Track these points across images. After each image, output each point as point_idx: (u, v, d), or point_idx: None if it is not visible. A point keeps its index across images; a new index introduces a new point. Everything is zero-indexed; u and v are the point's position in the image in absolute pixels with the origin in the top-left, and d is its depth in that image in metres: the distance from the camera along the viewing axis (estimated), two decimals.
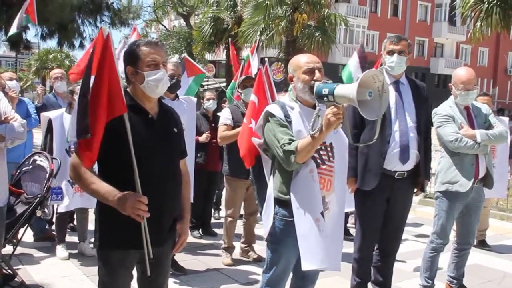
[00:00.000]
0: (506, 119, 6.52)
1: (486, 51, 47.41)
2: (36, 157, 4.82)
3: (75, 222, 6.32)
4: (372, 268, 4.40)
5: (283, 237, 3.15)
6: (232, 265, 5.55)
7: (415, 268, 5.31)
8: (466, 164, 4.42)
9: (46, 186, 4.57)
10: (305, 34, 18.55)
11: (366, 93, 2.66)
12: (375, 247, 4.38)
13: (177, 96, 5.05)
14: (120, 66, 2.77)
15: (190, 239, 5.95)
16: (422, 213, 8.73)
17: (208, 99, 6.88)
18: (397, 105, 4.09)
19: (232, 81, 7.47)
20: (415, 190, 4.33)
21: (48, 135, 5.41)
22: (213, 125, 6.60)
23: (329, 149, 3.12)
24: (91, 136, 2.52)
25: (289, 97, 3.26)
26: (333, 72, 33.68)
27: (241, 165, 4.53)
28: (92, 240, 5.61)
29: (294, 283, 3.45)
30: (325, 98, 2.79)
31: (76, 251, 5.71)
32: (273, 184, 3.22)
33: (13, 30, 8.81)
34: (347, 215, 6.46)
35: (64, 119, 5.38)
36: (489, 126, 4.52)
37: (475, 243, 6.07)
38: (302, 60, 3.15)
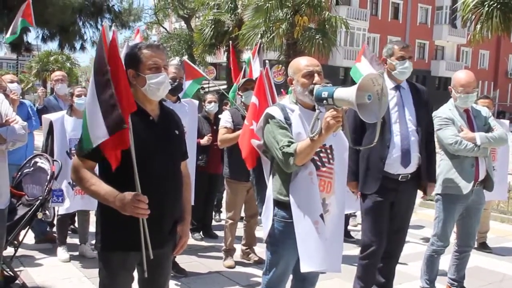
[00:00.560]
0: (507, 122, 6.52)
1: (487, 53, 47.46)
2: (37, 159, 4.83)
3: (76, 224, 6.33)
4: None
5: (282, 238, 3.16)
6: (233, 267, 5.55)
7: (415, 271, 5.30)
8: (466, 166, 4.42)
9: (47, 188, 4.58)
10: (305, 36, 18.58)
11: (366, 96, 2.67)
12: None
13: (178, 99, 5.06)
14: None
15: (191, 241, 5.96)
16: (423, 215, 8.73)
17: (210, 102, 6.88)
18: (398, 109, 4.10)
19: (234, 84, 7.47)
20: (422, 194, 4.34)
21: (49, 137, 5.43)
22: (214, 127, 6.60)
23: (329, 151, 3.13)
24: (126, 126, 2.53)
25: (289, 100, 3.27)
26: (334, 75, 33.73)
27: (241, 168, 4.54)
28: (93, 242, 5.63)
29: (294, 285, 3.45)
30: (325, 101, 2.80)
31: (77, 253, 5.71)
32: (272, 185, 3.23)
33: (8, 34, 8.82)
34: (348, 217, 6.46)
35: (65, 121, 5.40)
36: (488, 129, 4.53)
37: (476, 246, 6.07)
38: (302, 63, 3.16)
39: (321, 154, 3.10)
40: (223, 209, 7.21)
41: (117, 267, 2.73)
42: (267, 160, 3.34)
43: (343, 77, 36.08)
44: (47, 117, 5.51)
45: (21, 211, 4.52)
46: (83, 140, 2.66)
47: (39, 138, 6.71)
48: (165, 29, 41.59)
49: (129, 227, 2.59)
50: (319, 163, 3.09)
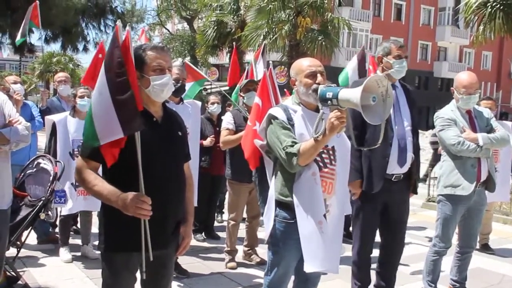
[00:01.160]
0: (509, 123, 6.51)
1: (490, 55, 47.39)
2: (40, 160, 4.84)
3: (78, 225, 6.35)
4: (375, 273, 4.39)
5: (284, 239, 3.17)
6: (235, 268, 5.56)
7: (417, 272, 5.30)
8: (468, 167, 4.42)
9: (49, 189, 4.59)
10: (308, 38, 18.57)
11: (370, 98, 2.67)
12: (378, 252, 4.38)
13: (181, 100, 5.07)
14: None
15: (193, 242, 5.96)
16: (425, 216, 8.73)
17: (213, 103, 6.89)
18: (395, 108, 4.10)
19: (237, 85, 7.48)
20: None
21: (52, 138, 5.44)
22: (217, 129, 6.60)
23: (331, 152, 3.13)
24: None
25: (292, 101, 3.28)
26: (336, 76, 33.57)
27: (243, 169, 4.55)
28: (96, 243, 5.65)
29: (296, 286, 3.46)
30: (329, 101, 2.80)
31: (79, 254, 5.72)
32: (274, 186, 3.24)
33: (19, 37, 8.88)
34: (349, 218, 6.45)
35: (68, 122, 5.41)
36: (490, 130, 4.52)
37: (478, 247, 6.07)
38: (304, 64, 3.17)
39: (323, 155, 3.11)
40: (225, 210, 7.22)
41: (120, 268, 2.74)
42: (270, 161, 3.35)
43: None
44: (50, 118, 5.53)
45: (23, 211, 4.53)
46: (87, 137, 2.66)
47: (42, 139, 6.73)
48: (168, 30, 41.64)
49: (132, 228, 2.59)
50: (321, 164, 3.09)
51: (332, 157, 3.14)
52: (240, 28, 21.26)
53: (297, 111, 3.15)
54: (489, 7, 11.98)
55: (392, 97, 2.82)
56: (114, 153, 2.59)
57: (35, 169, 4.81)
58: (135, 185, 2.58)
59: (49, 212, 4.64)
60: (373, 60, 7.75)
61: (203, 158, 6.24)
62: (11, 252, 4.63)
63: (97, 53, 7.33)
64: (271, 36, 18.61)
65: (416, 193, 4.38)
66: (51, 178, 4.64)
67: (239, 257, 5.82)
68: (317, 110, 3.00)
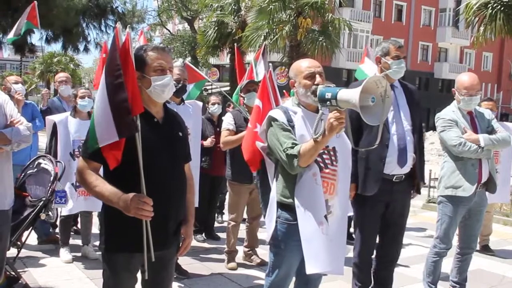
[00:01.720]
0: (510, 124, 6.52)
1: (490, 56, 47.39)
2: (40, 160, 4.85)
3: (79, 225, 6.35)
4: (372, 274, 4.39)
5: (286, 240, 3.17)
6: (235, 269, 5.56)
7: (417, 273, 5.30)
8: (469, 168, 4.42)
9: (50, 189, 4.59)
10: (309, 38, 18.56)
11: (369, 98, 2.67)
12: (375, 253, 4.38)
13: (182, 101, 5.08)
14: None
15: (194, 243, 5.96)
16: (425, 217, 8.73)
17: (213, 104, 6.90)
18: (394, 109, 4.10)
19: (238, 86, 7.49)
20: (412, 192, 4.35)
21: (53, 138, 5.45)
22: (218, 129, 6.61)
23: (332, 153, 3.13)
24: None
25: (292, 102, 3.28)
26: (337, 77, 33.69)
27: (244, 170, 4.55)
28: (96, 243, 5.66)
29: (297, 287, 3.46)
30: (328, 102, 2.81)
31: (79, 254, 5.73)
32: (275, 188, 3.24)
33: (11, 35, 8.85)
34: (350, 219, 6.45)
35: (68, 123, 5.42)
36: (492, 131, 4.52)
37: (478, 248, 6.07)
38: (303, 65, 3.17)
39: (324, 156, 3.10)
40: (226, 210, 7.23)
41: (121, 268, 2.74)
42: (271, 163, 3.35)
43: (346, 79, 36.08)
44: (50, 119, 5.54)
45: (24, 212, 4.53)
46: (89, 139, 2.67)
47: (43, 139, 6.73)
48: (169, 30, 41.66)
49: (133, 229, 2.59)
50: (322, 165, 3.09)
51: (333, 158, 3.14)
52: (240, 28, 21.26)
53: (297, 112, 3.15)
54: (490, 8, 11.98)
55: (391, 98, 2.82)
56: (117, 156, 2.60)
57: (35, 169, 4.81)
58: (136, 185, 2.58)
59: (50, 213, 4.64)
60: (365, 52, 7.78)
61: (203, 159, 6.24)
62: (12, 252, 4.63)
63: (101, 54, 7.36)
64: (272, 37, 18.61)
65: (419, 193, 4.38)
66: (51, 178, 4.64)
67: (239, 258, 5.82)
68: (317, 111, 3.00)
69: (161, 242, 2.72)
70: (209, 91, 24.96)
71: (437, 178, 4.88)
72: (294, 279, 3.42)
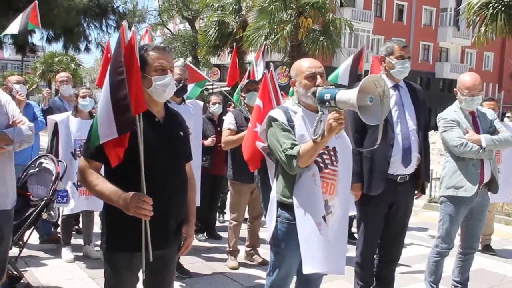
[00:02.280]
0: (511, 124, 6.51)
1: (491, 55, 47.35)
2: (42, 160, 4.85)
3: (80, 225, 6.35)
4: (374, 274, 4.39)
5: (286, 240, 3.17)
6: (236, 268, 5.56)
7: (419, 273, 5.30)
8: (471, 169, 4.41)
9: (52, 188, 4.60)
10: (310, 38, 18.56)
11: (367, 98, 2.66)
12: (377, 252, 4.38)
13: (183, 100, 5.08)
14: None
15: (195, 242, 5.96)
16: (427, 217, 8.73)
17: (214, 103, 6.91)
18: (398, 108, 4.10)
19: (239, 86, 7.50)
20: (416, 193, 4.34)
21: (54, 138, 5.45)
22: (218, 129, 6.61)
23: (332, 153, 3.13)
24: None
25: (292, 102, 3.28)
26: None
27: (245, 169, 4.55)
28: (97, 242, 5.66)
29: (297, 287, 3.46)
30: (327, 103, 2.81)
31: (81, 254, 5.73)
32: (276, 187, 3.24)
33: (12, 30, 8.80)
34: (351, 219, 6.46)
35: (70, 122, 5.42)
36: (494, 131, 4.52)
37: (480, 248, 6.06)
38: (304, 65, 3.17)
39: (324, 156, 3.10)
40: (227, 210, 7.24)
41: (122, 268, 2.75)
42: (272, 163, 3.35)
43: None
44: (52, 118, 5.54)
45: (26, 211, 4.53)
46: (92, 137, 2.67)
47: (44, 139, 6.74)
48: (170, 30, 41.69)
49: (134, 228, 2.59)
50: (322, 165, 3.09)
51: (333, 158, 3.13)
52: (241, 28, 21.25)
53: (297, 112, 3.14)
54: (491, 8, 11.97)
55: (389, 98, 2.82)
56: (119, 154, 2.60)
57: (37, 169, 4.81)
58: (137, 184, 2.59)
59: (51, 212, 4.65)
60: (375, 61, 7.77)
61: (204, 158, 6.24)
62: (14, 251, 4.63)
63: (105, 53, 7.35)
64: (273, 37, 18.62)
65: (424, 193, 4.38)
66: (53, 178, 4.64)
67: (241, 257, 5.82)
68: (317, 111, 3.00)
69: (162, 241, 2.73)
70: (210, 91, 24.95)
71: (438, 178, 4.88)
72: (295, 278, 3.42)
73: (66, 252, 5.61)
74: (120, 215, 2.56)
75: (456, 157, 4.47)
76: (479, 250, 5.77)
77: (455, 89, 4.57)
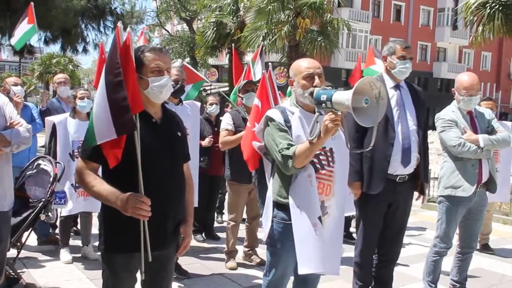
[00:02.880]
0: (509, 123, 6.52)
1: (489, 55, 47.43)
2: (40, 161, 4.85)
3: (78, 226, 6.35)
4: (373, 273, 4.40)
5: (282, 240, 3.17)
6: (235, 268, 5.56)
7: (417, 272, 5.30)
8: (469, 168, 4.42)
9: (50, 190, 4.60)
10: (307, 38, 18.58)
11: (363, 100, 2.65)
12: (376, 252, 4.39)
13: (180, 101, 5.08)
14: None
15: (193, 243, 5.97)
16: (425, 217, 8.74)
17: (211, 104, 6.91)
18: (399, 108, 4.11)
19: (235, 86, 7.50)
20: (416, 194, 4.35)
21: (52, 139, 5.45)
22: (216, 129, 6.62)
23: (329, 154, 3.12)
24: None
25: (290, 102, 3.28)
26: (336, 77, 33.70)
27: (243, 170, 4.56)
28: (96, 244, 5.65)
29: (295, 287, 3.46)
30: (324, 104, 2.81)
31: (79, 255, 5.73)
32: (272, 187, 3.24)
33: (16, 39, 8.83)
34: (349, 219, 6.47)
35: (68, 124, 5.42)
36: (492, 131, 4.52)
37: (478, 247, 6.07)
38: (303, 65, 3.17)
39: (321, 157, 3.10)
40: (225, 210, 7.24)
41: (120, 269, 2.74)
42: (268, 162, 3.35)
43: (345, 79, 36.04)
44: (50, 120, 5.54)
45: (24, 213, 4.53)
46: (88, 137, 2.67)
47: (41, 140, 6.73)
48: (167, 31, 41.64)
49: (132, 229, 2.59)
50: (318, 166, 3.08)
51: (330, 159, 3.13)
52: (239, 29, 21.27)
53: (294, 112, 3.14)
54: (488, 8, 11.99)
55: (385, 99, 2.81)
56: (117, 154, 2.60)
57: (35, 170, 4.81)
58: (135, 185, 2.59)
59: (49, 213, 4.65)
60: (370, 51, 7.83)
61: (201, 159, 6.24)
62: (12, 253, 4.63)
63: (100, 55, 7.38)
64: (271, 37, 18.64)
65: (423, 194, 4.38)
66: (51, 179, 4.64)
67: (239, 257, 5.82)
68: (314, 111, 3.00)
69: (160, 241, 2.73)
70: (208, 92, 24.95)
71: (436, 178, 4.89)
72: (292, 278, 3.42)
73: (64, 253, 5.61)
74: (118, 216, 2.56)
75: (454, 157, 4.47)
76: (477, 250, 5.78)
77: (453, 89, 4.57)
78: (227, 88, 21.01)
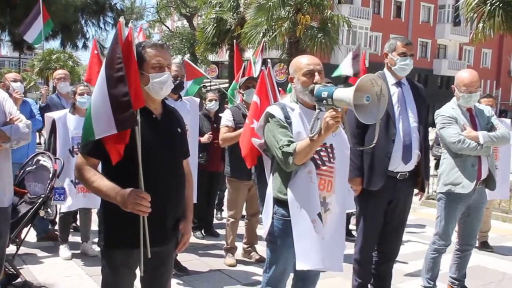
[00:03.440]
0: (508, 120, 6.52)
1: (489, 52, 47.39)
2: (39, 157, 4.84)
3: (78, 222, 6.35)
4: (372, 270, 4.40)
5: (282, 236, 3.17)
6: (234, 265, 5.57)
7: (416, 269, 5.31)
8: (468, 165, 4.42)
9: (49, 186, 4.59)
10: (308, 35, 18.57)
11: (364, 97, 2.66)
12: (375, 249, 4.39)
13: (180, 97, 5.07)
14: None
15: (193, 239, 5.97)
16: (424, 214, 8.75)
17: (210, 100, 6.91)
18: (400, 105, 4.10)
19: (233, 82, 7.50)
20: (416, 191, 4.35)
21: (51, 135, 5.44)
22: (214, 125, 6.62)
23: (329, 150, 3.13)
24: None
25: (290, 98, 3.27)
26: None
27: (242, 167, 4.55)
28: (95, 240, 5.66)
29: (295, 284, 3.46)
30: (324, 101, 2.81)
31: (79, 251, 5.73)
32: (272, 184, 3.24)
33: (34, 37, 8.82)
34: (349, 216, 6.47)
35: (67, 120, 5.41)
36: (491, 128, 4.52)
37: (477, 245, 6.08)
38: (303, 62, 3.17)
39: (322, 153, 3.10)
40: (225, 207, 7.23)
41: (119, 265, 2.75)
42: (268, 159, 3.35)
43: (345, 76, 36.10)
44: (49, 116, 5.53)
45: (23, 209, 4.53)
46: (84, 132, 2.67)
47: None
48: (167, 27, 41.58)
49: (132, 225, 2.59)
50: (319, 162, 3.08)
51: (330, 155, 3.13)
52: (239, 25, 21.25)
53: (294, 109, 3.14)
54: (489, 4, 11.96)
55: (387, 97, 2.81)
56: (119, 150, 2.60)
57: (35, 166, 4.81)
58: (134, 181, 2.58)
59: (49, 209, 4.65)
60: (363, 56, 7.91)
61: (200, 155, 6.23)
62: (11, 249, 4.63)
63: (92, 50, 7.39)
64: (271, 34, 18.62)
65: (424, 191, 4.38)
66: (50, 175, 4.63)
67: (239, 254, 5.83)
68: (314, 108, 2.99)
69: (160, 238, 2.73)
70: (208, 88, 24.94)
71: (436, 175, 4.88)
72: (292, 275, 3.43)
73: (64, 250, 5.61)
74: (118, 212, 2.56)
75: (453, 153, 4.47)
76: (476, 247, 5.79)
77: (452, 86, 4.56)
78: (227, 85, 20.99)
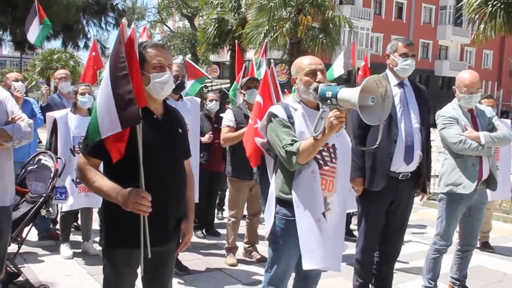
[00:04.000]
0: (509, 121, 6.51)
1: (491, 53, 47.38)
2: (41, 157, 4.84)
3: (79, 222, 6.36)
4: (373, 270, 4.40)
5: (284, 236, 3.17)
6: (235, 265, 5.57)
7: (417, 270, 5.31)
8: (469, 166, 4.42)
9: (50, 185, 4.59)
10: (309, 36, 18.56)
11: (369, 98, 2.66)
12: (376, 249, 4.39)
13: (181, 97, 5.08)
14: None
15: (194, 239, 5.96)
16: (425, 214, 8.74)
17: (211, 100, 6.91)
18: (403, 106, 4.11)
19: (234, 82, 7.50)
20: (418, 192, 4.35)
21: (53, 135, 5.45)
22: (215, 125, 6.64)
23: (331, 150, 3.13)
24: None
25: (293, 98, 3.28)
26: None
27: (244, 166, 4.56)
28: (96, 239, 5.67)
29: (296, 283, 3.46)
30: (329, 100, 2.81)
31: (80, 250, 5.74)
32: (275, 183, 3.24)
33: (35, 37, 8.83)
34: (350, 216, 6.47)
35: (69, 119, 5.42)
36: (492, 128, 4.52)
37: (478, 245, 6.08)
38: (304, 62, 3.18)
39: (324, 153, 3.11)
40: (226, 207, 7.24)
41: (121, 264, 2.75)
42: (271, 158, 3.35)
43: (346, 77, 36.05)
44: (51, 115, 5.54)
45: (24, 208, 4.53)
46: (90, 132, 2.67)
47: (42, 136, 6.74)
48: (169, 28, 41.60)
49: (133, 224, 2.60)
50: (321, 162, 3.09)
51: (333, 155, 3.14)
52: (241, 26, 21.24)
53: (297, 109, 3.15)
54: (490, 5, 11.95)
55: (391, 98, 2.82)
56: (120, 148, 2.60)
57: (36, 166, 4.81)
58: (135, 181, 2.59)
59: (50, 209, 4.65)
60: (365, 59, 7.93)
61: (201, 155, 6.23)
62: (12, 248, 4.62)
63: (90, 52, 7.42)
64: (272, 34, 18.60)
65: (425, 192, 4.37)
66: (52, 174, 4.64)
67: (240, 254, 5.83)
68: (317, 108, 3.00)
69: (161, 238, 2.73)
70: (210, 88, 24.95)
71: (437, 175, 4.89)
72: (293, 274, 3.43)
73: (65, 249, 5.62)
74: (119, 212, 2.56)
75: (454, 154, 4.47)
76: (477, 248, 5.79)
77: (453, 86, 4.57)
78: (228, 85, 21.00)
